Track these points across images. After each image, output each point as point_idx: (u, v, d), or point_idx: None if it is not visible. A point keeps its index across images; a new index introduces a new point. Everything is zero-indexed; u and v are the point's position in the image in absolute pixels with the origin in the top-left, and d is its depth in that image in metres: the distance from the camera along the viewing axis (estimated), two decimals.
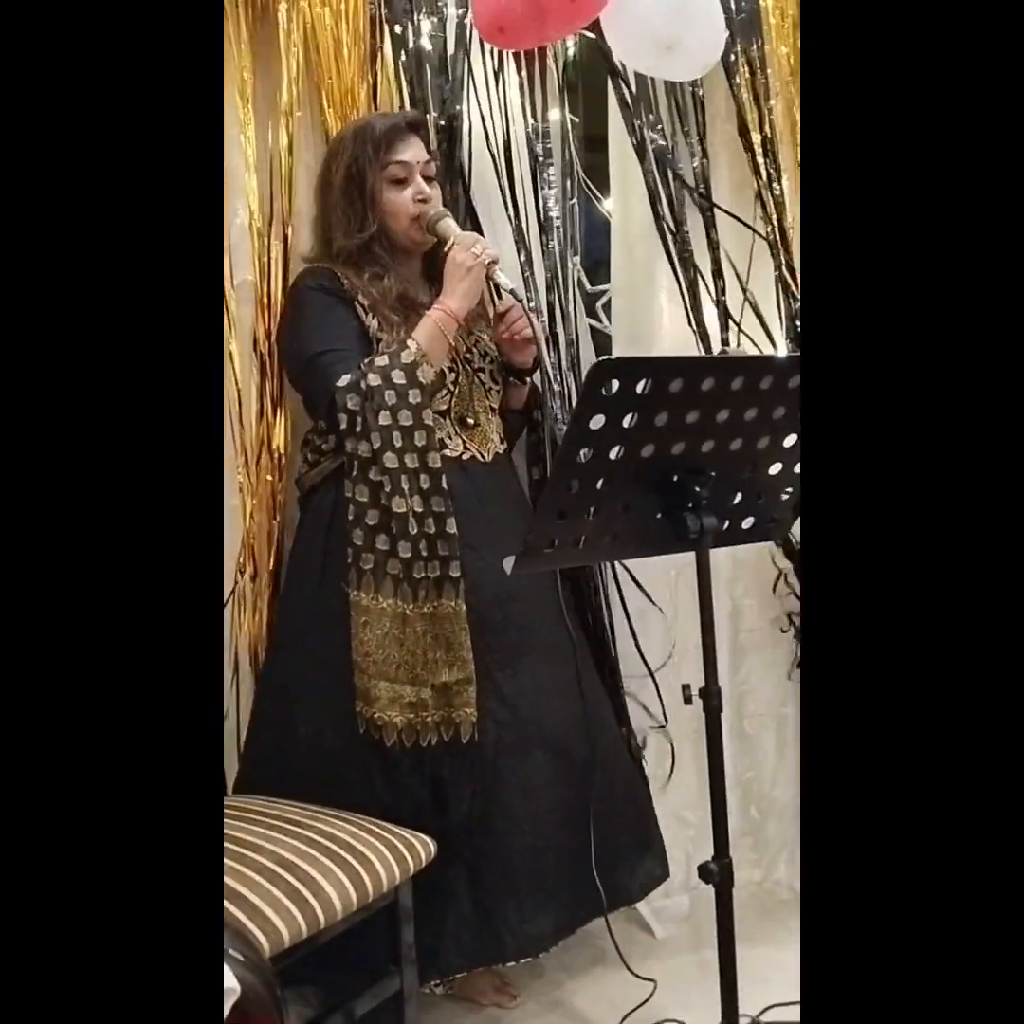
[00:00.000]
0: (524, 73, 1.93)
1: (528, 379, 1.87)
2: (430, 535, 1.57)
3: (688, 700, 1.37)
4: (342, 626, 1.58)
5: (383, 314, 1.68)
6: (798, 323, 2.02)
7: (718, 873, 1.34)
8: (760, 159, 2.02)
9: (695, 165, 2.03)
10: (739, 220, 2.05)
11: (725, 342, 2.03)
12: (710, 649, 1.39)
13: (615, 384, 1.23)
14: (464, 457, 1.70)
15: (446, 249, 1.69)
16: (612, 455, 1.30)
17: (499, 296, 1.84)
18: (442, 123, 1.87)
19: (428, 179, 1.74)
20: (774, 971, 1.69)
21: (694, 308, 1.99)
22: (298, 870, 1.27)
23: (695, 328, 2.00)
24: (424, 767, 1.58)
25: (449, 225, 1.71)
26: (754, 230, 2.05)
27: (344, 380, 1.59)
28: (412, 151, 1.72)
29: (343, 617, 1.58)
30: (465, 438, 1.72)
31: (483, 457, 1.73)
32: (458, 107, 1.88)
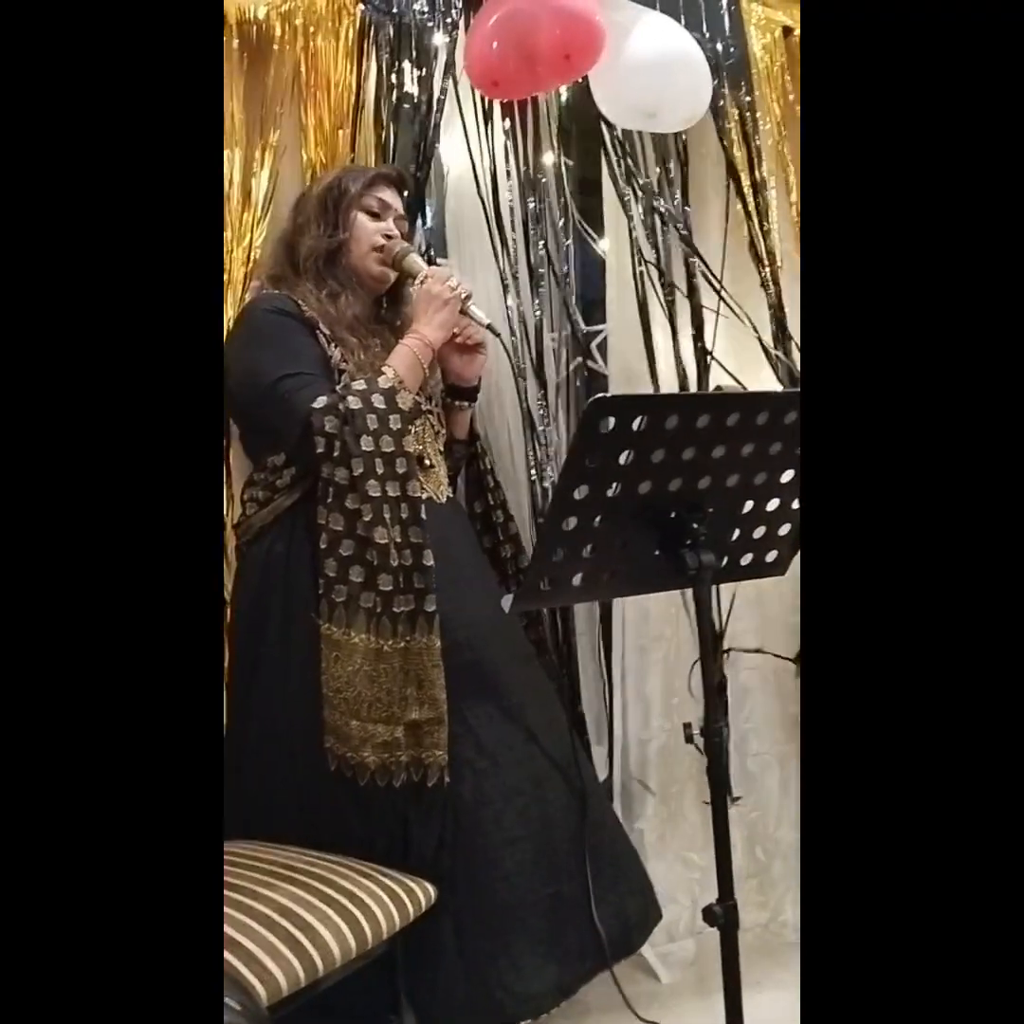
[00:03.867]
0: (516, 119, 1.96)
1: (474, 399, 1.84)
2: (407, 567, 1.51)
3: (689, 739, 1.35)
4: (312, 664, 1.51)
5: (341, 338, 1.64)
6: (790, 360, 2.05)
7: (723, 915, 1.31)
8: (750, 201, 2.05)
9: (682, 212, 2.06)
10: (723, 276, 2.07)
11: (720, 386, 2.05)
12: (711, 687, 1.38)
13: (611, 421, 1.23)
14: (424, 496, 1.62)
15: (418, 281, 1.69)
16: (609, 492, 1.29)
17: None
18: (415, 168, 1.89)
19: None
20: (781, 1016, 1.66)
21: (695, 349, 2.02)
22: (295, 917, 1.25)
23: (677, 371, 2.02)
24: (394, 807, 1.51)
25: (416, 260, 1.73)
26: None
27: (320, 402, 1.52)
28: (392, 197, 1.76)
29: (312, 655, 1.52)
30: (422, 478, 1.65)
31: (438, 498, 1.69)
32: (436, 145, 1.90)
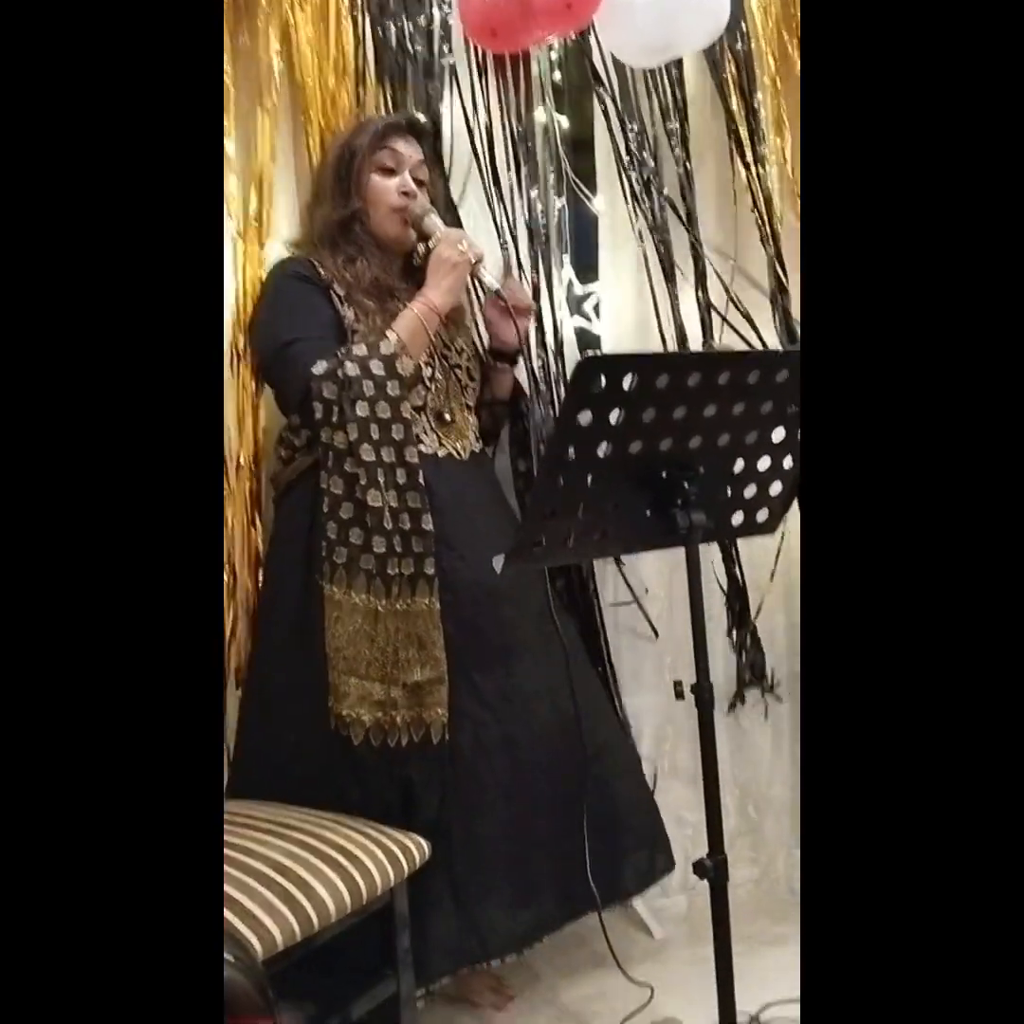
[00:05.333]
0: (508, 74, 1.93)
1: (516, 362, 1.85)
2: (405, 531, 1.54)
3: (680, 695, 1.37)
4: (320, 625, 1.55)
5: (357, 301, 1.65)
6: (790, 318, 2.03)
7: (713, 869, 1.33)
8: (748, 154, 2.02)
9: (678, 169, 2.03)
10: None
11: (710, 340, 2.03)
12: (701, 645, 1.38)
13: (602, 380, 1.23)
14: (440, 454, 1.67)
15: (431, 244, 1.68)
16: (600, 452, 1.29)
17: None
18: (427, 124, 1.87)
19: (419, 182, 1.74)
20: (773, 969, 1.68)
21: (673, 309, 2.00)
22: (290, 873, 1.27)
23: (676, 329, 2.01)
24: (393, 768, 1.54)
25: (434, 222, 1.71)
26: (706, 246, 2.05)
27: (320, 368, 1.55)
28: (406, 147, 1.73)
29: (320, 615, 1.55)
30: (441, 434, 1.68)
31: (459, 455, 1.70)
32: (440, 106, 1.88)
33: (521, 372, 1.91)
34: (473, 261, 1.66)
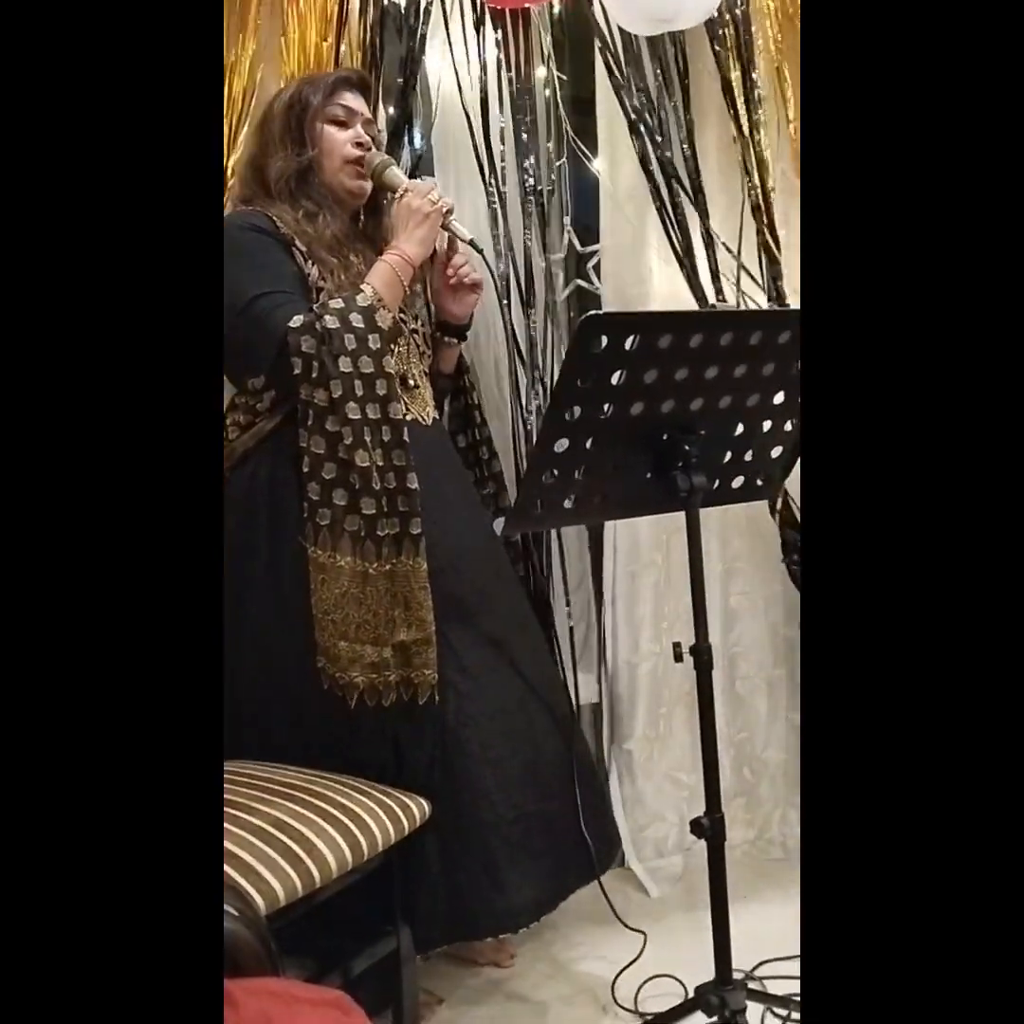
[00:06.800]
0: (507, 30, 1.91)
1: (465, 338, 1.82)
2: (391, 490, 1.50)
3: (678, 658, 1.37)
4: (301, 587, 1.52)
5: (320, 257, 1.60)
6: (779, 283, 2.00)
7: (710, 828, 1.35)
8: (744, 117, 2.00)
9: (681, 132, 2.00)
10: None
11: (720, 297, 2.01)
12: (700, 607, 1.39)
13: (604, 340, 1.22)
14: (407, 418, 1.61)
15: (397, 195, 1.64)
16: (601, 414, 1.29)
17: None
18: (401, 81, 1.84)
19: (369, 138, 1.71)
20: (768, 928, 1.71)
21: (691, 269, 1.98)
22: (292, 830, 1.28)
23: (691, 289, 1.98)
24: (385, 727, 1.54)
25: (397, 173, 1.68)
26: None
27: (297, 321, 1.49)
28: (356, 102, 1.70)
29: (301, 578, 1.52)
30: (407, 400, 1.63)
31: (424, 420, 1.67)
32: (423, 57, 1.85)
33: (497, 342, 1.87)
34: (444, 211, 1.63)
